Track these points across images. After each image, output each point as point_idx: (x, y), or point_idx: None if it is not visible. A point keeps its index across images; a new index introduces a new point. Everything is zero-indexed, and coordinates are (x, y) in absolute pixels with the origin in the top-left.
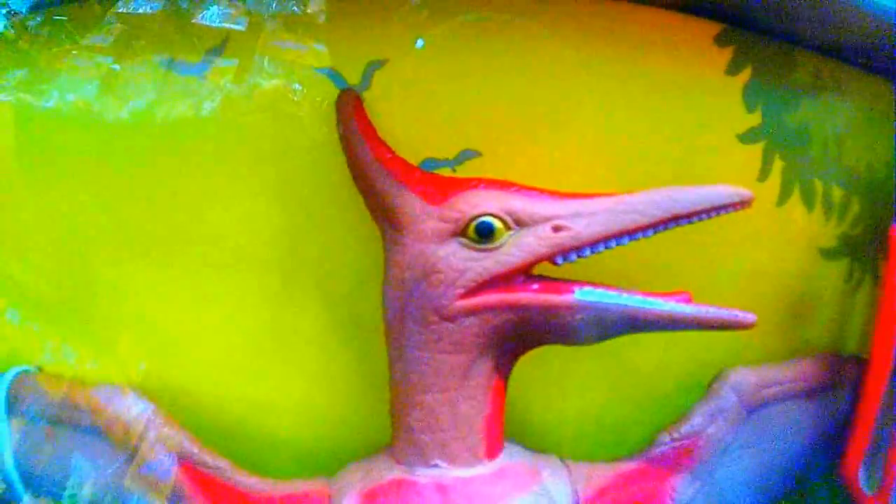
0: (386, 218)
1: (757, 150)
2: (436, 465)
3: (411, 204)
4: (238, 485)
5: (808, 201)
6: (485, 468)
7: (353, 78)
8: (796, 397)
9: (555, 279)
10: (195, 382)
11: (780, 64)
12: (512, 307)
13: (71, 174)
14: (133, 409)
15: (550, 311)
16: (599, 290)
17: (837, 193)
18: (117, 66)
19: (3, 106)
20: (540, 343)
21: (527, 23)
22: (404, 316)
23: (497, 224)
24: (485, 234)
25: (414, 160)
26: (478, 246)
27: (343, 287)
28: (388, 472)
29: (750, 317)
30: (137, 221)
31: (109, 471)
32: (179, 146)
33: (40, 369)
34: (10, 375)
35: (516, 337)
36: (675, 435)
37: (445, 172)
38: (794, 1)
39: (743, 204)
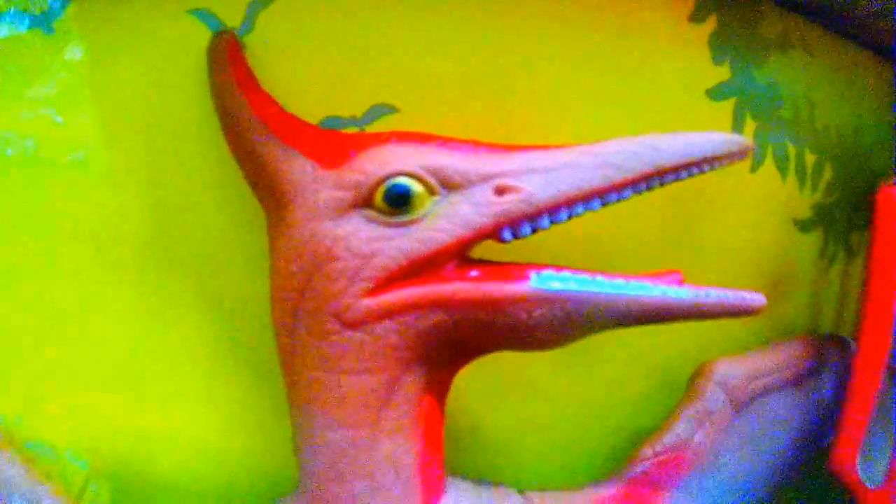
0: (269, 191)
1: (727, 107)
2: None
3: (301, 169)
4: None
5: (782, 167)
6: None
7: (231, 19)
8: (784, 386)
9: (501, 263)
10: (59, 417)
11: (746, 14)
12: (442, 305)
13: None
14: None
15: (498, 306)
16: (564, 275)
17: (810, 159)
18: None
19: None
20: (485, 350)
21: None
22: (297, 325)
23: (416, 187)
24: (399, 201)
25: (311, 119)
26: (390, 219)
27: (231, 289)
28: None
29: (758, 299)
30: None
31: None
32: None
33: None
34: None
35: (451, 345)
36: (659, 448)
37: None
38: None
39: (741, 154)
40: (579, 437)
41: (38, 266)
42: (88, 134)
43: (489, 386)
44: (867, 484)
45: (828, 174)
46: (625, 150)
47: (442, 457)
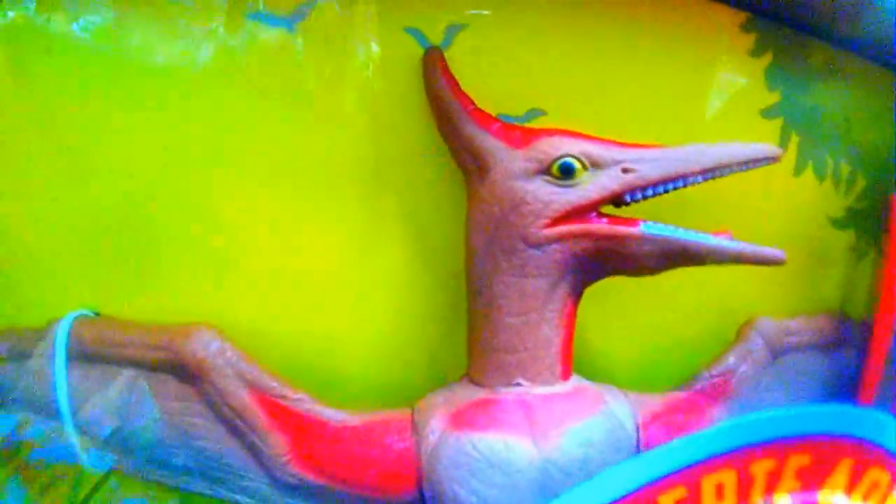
0: (472, 160)
1: (776, 124)
2: (518, 384)
3: (496, 147)
4: (318, 416)
5: (820, 174)
6: (561, 387)
7: (435, 38)
8: (813, 349)
9: (623, 217)
10: (271, 320)
11: (797, 50)
12: (590, 236)
13: (140, 114)
14: (210, 346)
15: (621, 240)
16: (661, 225)
17: (845, 169)
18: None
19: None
20: (608, 272)
21: (584, 3)
22: (492, 245)
23: (577, 164)
24: (567, 172)
25: None
26: (560, 182)
27: (419, 227)
28: (471, 393)
29: (780, 253)
30: (212, 159)
31: (179, 410)
32: (269, 94)
33: (98, 314)
34: (68, 320)
35: (590, 264)
36: (713, 371)
37: None
38: None
39: (774, 159)
40: (653, 363)
41: (280, 190)
42: (332, 107)
43: (592, 322)
44: None
45: (861, 183)
46: (699, 150)
47: (572, 347)
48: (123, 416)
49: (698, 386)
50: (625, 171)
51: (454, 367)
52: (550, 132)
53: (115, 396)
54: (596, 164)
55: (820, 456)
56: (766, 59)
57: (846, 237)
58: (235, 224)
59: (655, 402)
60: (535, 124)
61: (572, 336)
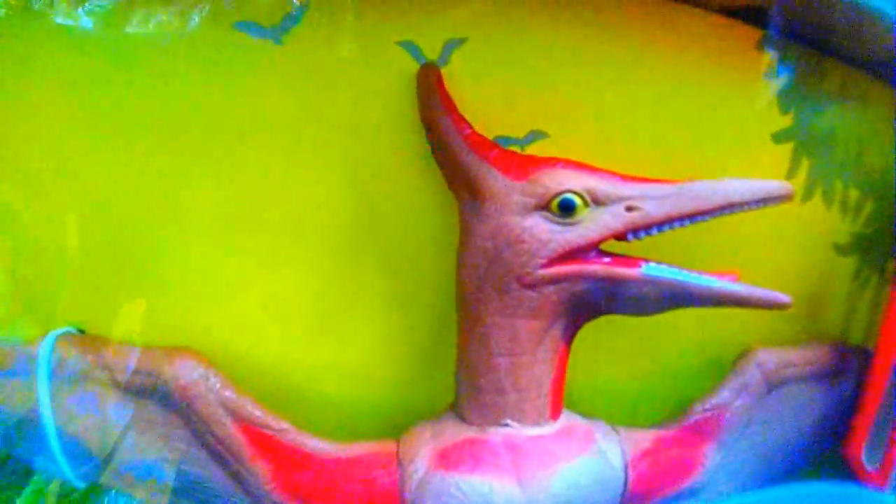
0: (467, 189)
1: (787, 149)
2: (507, 425)
3: (493, 178)
4: (303, 447)
5: (828, 200)
6: (550, 428)
7: (431, 53)
8: (810, 379)
9: (624, 255)
10: (256, 346)
11: (812, 71)
12: (588, 277)
13: (133, 136)
14: (193, 372)
15: (621, 282)
16: (663, 266)
17: (854, 194)
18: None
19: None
20: (605, 312)
21: (592, 18)
22: (484, 283)
23: (578, 201)
24: (567, 209)
25: (486, 136)
26: (559, 220)
27: (406, 255)
28: (458, 432)
29: (786, 298)
30: (200, 184)
31: (162, 434)
32: (252, 112)
33: (82, 332)
34: (52, 337)
35: (587, 305)
36: (707, 405)
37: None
38: (828, 12)
39: (787, 198)
40: (644, 394)
41: (268, 238)
42: (306, 133)
43: (582, 354)
44: (868, 466)
45: (869, 208)
46: (709, 187)
47: (563, 386)
48: (108, 436)
49: (691, 420)
50: (629, 209)
51: (440, 394)
52: (553, 163)
53: (99, 416)
54: (598, 201)
55: None
56: (781, 80)
57: (849, 264)
58: (223, 247)
59: (646, 437)
60: (536, 147)
61: (564, 375)
